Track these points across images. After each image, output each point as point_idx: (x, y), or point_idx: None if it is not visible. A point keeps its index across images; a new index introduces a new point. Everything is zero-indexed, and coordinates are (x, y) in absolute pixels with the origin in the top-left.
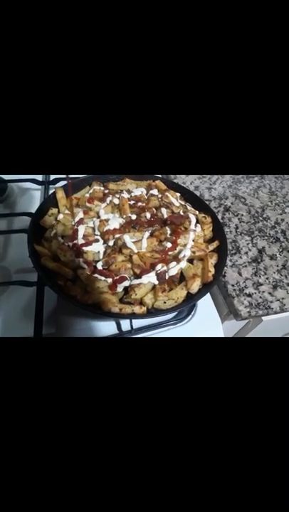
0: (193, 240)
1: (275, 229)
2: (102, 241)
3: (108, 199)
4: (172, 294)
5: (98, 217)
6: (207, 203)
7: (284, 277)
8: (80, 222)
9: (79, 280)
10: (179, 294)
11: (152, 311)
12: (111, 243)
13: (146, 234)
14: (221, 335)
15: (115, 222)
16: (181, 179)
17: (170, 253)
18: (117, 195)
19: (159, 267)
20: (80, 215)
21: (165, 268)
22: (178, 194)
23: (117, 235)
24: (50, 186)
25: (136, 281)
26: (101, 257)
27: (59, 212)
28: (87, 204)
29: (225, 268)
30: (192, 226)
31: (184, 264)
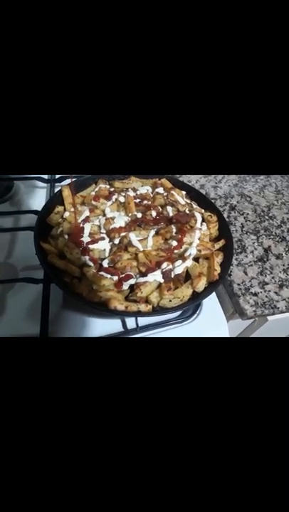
0: (199, 239)
1: (281, 228)
2: (107, 239)
3: (114, 197)
4: (178, 292)
5: (104, 215)
6: (213, 201)
7: None
8: (86, 220)
9: (85, 278)
10: (185, 292)
11: (158, 309)
12: (117, 241)
13: (152, 232)
14: (226, 334)
15: (121, 220)
16: (186, 177)
17: (176, 251)
18: (123, 194)
19: (164, 265)
20: (86, 213)
21: (171, 266)
22: (183, 192)
23: (123, 233)
24: (56, 184)
25: (142, 280)
26: (107, 254)
27: (65, 210)
28: (93, 202)
29: (231, 267)
30: (198, 225)
31: (189, 262)
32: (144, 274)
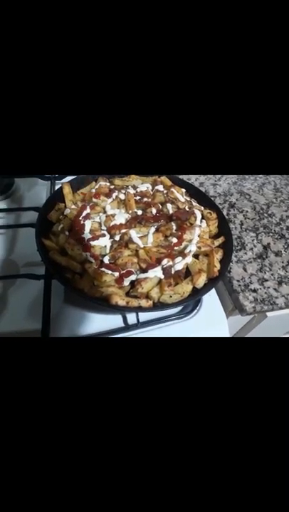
0: (198, 236)
1: (280, 225)
2: (108, 236)
3: (114, 194)
4: (178, 288)
5: (104, 212)
6: (212, 199)
7: None
8: (87, 217)
9: (86, 274)
10: (185, 288)
11: (158, 305)
12: (117, 238)
13: (152, 229)
14: (226, 330)
15: (121, 217)
16: (186, 175)
17: (176, 248)
18: (123, 191)
19: (165, 261)
20: (87, 209)
21: (171, 263)
22: (183, 190)
23: (124, 230)
24: (57, 182)
25: (142, 276)
26: (108, 251)
27: (65, 207)
28: (94, 199)
29: (230, 264)
30: (198, 222)
31: (189, 259)
32: (144, 271)
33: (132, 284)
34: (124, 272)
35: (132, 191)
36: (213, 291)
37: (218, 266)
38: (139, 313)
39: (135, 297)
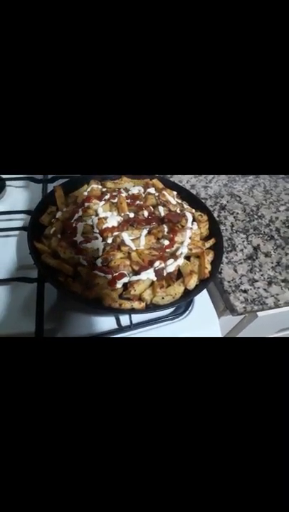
0: (190, 238)
1: (270, 227)
2: (100, 238)
3: (106, 197)
4: (170, 290)
5: (97, 214)
6: (203, 201)
7: (278, 274)
8: (79, 219)
9: (79, 276)
10: (177, 290)
11: (151, 307)
12: (110, 240)
13: (144, 232)
14: (218, 330)
15: (113, 220)
16: (177, 178)
17: (167, 250)
18: (115, 194)
19: (157, 263)
20: (79, 212)
21: (163, 265)
22: (174, 193)
23: (116, 233)
24: (49, 184)
25: (135, 278)
26: (100, 254)
27: (58, 209)
28: (86, 203)
29: (221, 265)
30: (189, 224)
31: (181, 261)
32: (137, 273)
33: (125, 286)
34: (116, 274)
35: (123, 194)
36: (204, 292)
37: (209, 267)
38: (132, 315)
39: (128, 299)
